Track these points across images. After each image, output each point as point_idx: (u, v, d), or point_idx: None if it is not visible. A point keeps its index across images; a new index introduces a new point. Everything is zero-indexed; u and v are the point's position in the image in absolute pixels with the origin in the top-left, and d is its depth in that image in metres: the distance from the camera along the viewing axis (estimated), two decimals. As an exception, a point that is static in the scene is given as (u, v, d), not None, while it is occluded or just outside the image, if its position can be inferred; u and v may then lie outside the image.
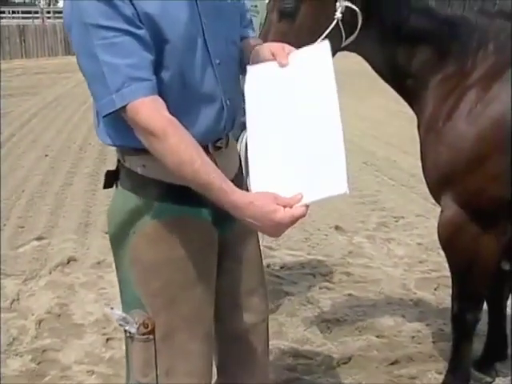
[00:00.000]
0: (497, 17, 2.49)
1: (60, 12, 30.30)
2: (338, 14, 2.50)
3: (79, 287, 4.04)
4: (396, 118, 9.22)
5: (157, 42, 1.70)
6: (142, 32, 1.66)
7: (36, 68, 18.69)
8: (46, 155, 7.81)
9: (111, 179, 1.93)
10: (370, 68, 2.81)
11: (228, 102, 1.85)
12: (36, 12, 29.44)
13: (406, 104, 2.80)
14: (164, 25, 1.70)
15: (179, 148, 1.64)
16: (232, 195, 1.64)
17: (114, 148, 1.86)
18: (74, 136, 8.95)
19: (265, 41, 2.17)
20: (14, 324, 3.61)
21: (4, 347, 3.36)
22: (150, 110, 1.65)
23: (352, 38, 2.57)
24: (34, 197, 6.05)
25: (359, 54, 2.75)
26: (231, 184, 1.65)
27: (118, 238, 1.95)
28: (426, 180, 2.63)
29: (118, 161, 1.91)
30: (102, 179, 2.00)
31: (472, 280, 2.63)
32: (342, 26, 2.52)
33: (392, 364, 3.20)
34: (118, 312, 1.99)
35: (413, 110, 2.74)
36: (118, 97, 1.64)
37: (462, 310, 2.70)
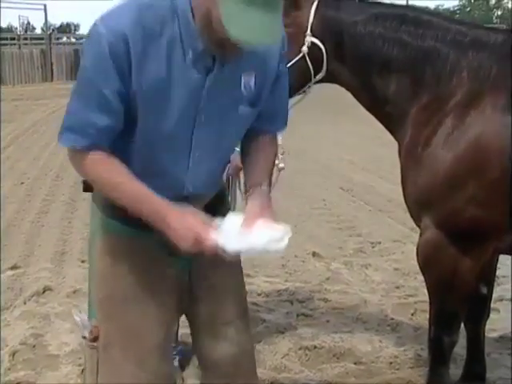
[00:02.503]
0: (469, 47, 2.55)
1: (37, 38, 30.27)
2: (305, 48, 2.66)
3: (55, 317, 3.99)
4: (371, 143, 9.30)
5: (139, 119, 1.75)
6: (117, 105, 1.71)
7: (12, 94, 18.61)
8: (22, 183, 7.75)
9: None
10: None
11: (191, 190, 1.88)
12: (13, 38, 29.36)
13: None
14: (156, 110, 1.74)
15: (102, 177, 1.79)
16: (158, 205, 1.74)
17: None
18: (50, 163, 8.90)
19: None
20: (-14, 359, 3.55)
21: (-25, 385, 3.30)
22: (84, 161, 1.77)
23: (322, 72, 2.71)
24: (9, 225, 5.99)
25: (340, 85, 2.85)
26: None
27: (90, 246, 2.07)
28: (407, 203, 2.68)
29: None
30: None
31: (449, 301, 2.65)
32: (308, 60, 2.68)
33: (370, 391, 3.20)
34: (82, 315, 2.05)
35: (393, 136, 2.80)
36: (64, 135, 1.76)
37: (439, 333, 2.71)
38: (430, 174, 2.51)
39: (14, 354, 3.57)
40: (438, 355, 2.78)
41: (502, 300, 4.01)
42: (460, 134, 2.46)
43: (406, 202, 2.68)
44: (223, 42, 1.62)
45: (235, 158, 3.19)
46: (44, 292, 4.37)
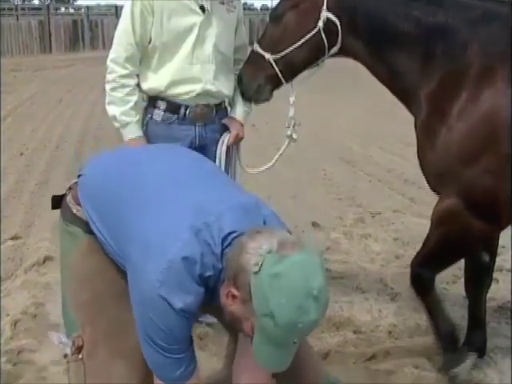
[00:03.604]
0: (480, 20, 2.62)
1: (34, 9, 30.00)
2: (320, 24, 2.79)
3: (55, 286, 3.99)
4: (373, 114, 9.27)
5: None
6: None
7: (11, 65, 18.49)
8: (22, 154, 7.73)
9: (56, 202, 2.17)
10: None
11: None
12: (10, 9, 29.09)
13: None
14: None
15: None
16: None
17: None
18: (49, 134, 8.87)
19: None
20: (-10, 329, 3.57)
21: (-20, 353, 3.32)
22: None
23: (336, 47, 2.86)
24: (9, 196, 5.99)
25: (355, 59, 2.94)
26: None
27: (62, 263, 2.16)
28: (424, 174, 2.77)
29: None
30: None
31: (447, 254, 2.80)
32: (323, 35, 2.82)
33: (369, 359, 3.21)
34: (58, 334, 2.05)
35: (409, 110, 2.88)
36: None
37: (422, 272, 2.85)
38: (446, 146, 2.59)
39: (15, 323, 3.59)
40: (424, 290, 2.91)
41: (501, 270, 4.02)
42: (474, 106, 2.54)
43: (423, 172, 2.78)
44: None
45: (235, 126, 3.19)
46: (44, 262, 4.38)
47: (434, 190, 2.78)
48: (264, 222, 1.84)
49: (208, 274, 1.74)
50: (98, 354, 1.99)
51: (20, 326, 3.56)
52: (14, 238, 4.88)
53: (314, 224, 5.07)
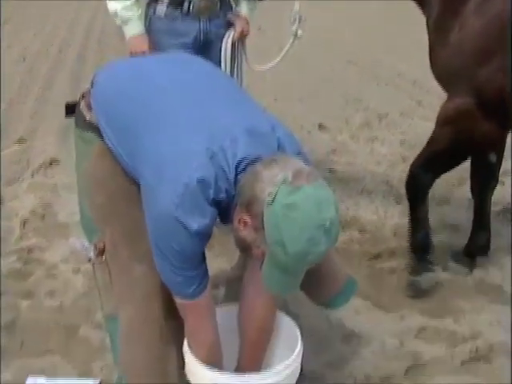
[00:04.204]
0: None
1: None
2: None
3: (62, 188, 4.03)
4: (380, 17, 9.04)
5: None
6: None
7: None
8: (24, 59, 7.62)
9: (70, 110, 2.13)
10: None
11: None
12: None
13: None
14: None
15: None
16: None
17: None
18: (51, 38, 8.72)
19: None
20: (-2, 226, 3.62)
21: (-10, 248, 3.38)
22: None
23: None
24: (13, 101, 5.94)
25: None
26: None
27: (77, 170, 2.12)
28: (435, 73, 2.73)
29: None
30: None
31: (453, 154, 2.76)
32: None
33: (374, 258, 3.26)
34: (80, 240, 2.07)
35: (422, 10, 2.81)
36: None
37: (422, 174, 2.84)
38: (459, 44, 2.55)
39: (24, 223, 3.64)
40: (417, 194, 2.92)
41: (507, 174, 4.01)
42: (489, 2, 2.49)
43: (432, 67, 2.73)
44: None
45: (240, 22, 3.11)
46: (51, 164, 4.40)
47: (443, 88, 2.73)
48: (278, 146, 1.81)
49: (221, 197, 1.74)
50: (120, 254, 2.01)
51: (29, 226, 3.61)
52: (20, 141, 4.87)
53: (321, 126, 5.03)
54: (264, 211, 1.64)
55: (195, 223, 1.70)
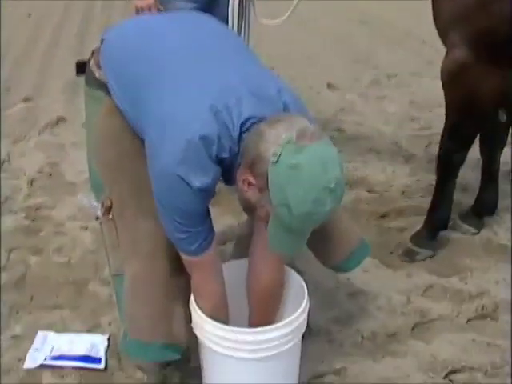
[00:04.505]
0: None
1: None
2: None
3: (69, 147, 4.02)
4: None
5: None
6: None
7: None
8: (30, 15, 7.53)
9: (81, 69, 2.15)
10: None
11: None
12: None
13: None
14: None
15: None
16: None
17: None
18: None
19: None
20: (6, 184, 3.61)
21: (-2, 205, 3.40)
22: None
23: None
24: (19, 57, 5.89)
25: None
26: None
27: (87, 127, 2.15)
28: (436, 22, 2.63)
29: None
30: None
31: (467, 118, 2.66)
32: None
33: (382, 217, 3.26)
34: (88, 198, 2.08)
35: None
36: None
37: (450, 150, 2.76)
38: None
39: (31, 181, 3.65)
40: (446, 172, 2.85)
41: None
42: None
43: (435, 21, 2.64)
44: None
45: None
46: (58, 123, 4.38)
47: (443, 40, 2.64)
48: (284, 109, 1.79)
49: (224, 155, 1.73)
50: (126, 211, 2.02)
51: (36, 185, 3.62)
52: (26, 99, 4.84)
53: (329, 85, 4.98)
54: (268, 171, 1.63)
55: (197, 181, 1.69)
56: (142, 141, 1.87)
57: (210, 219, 1.86)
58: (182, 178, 1.69)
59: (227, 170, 1.78)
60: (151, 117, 1.80)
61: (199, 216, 1.80)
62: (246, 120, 1.71)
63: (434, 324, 2.58)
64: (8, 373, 2.35)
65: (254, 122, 1.71)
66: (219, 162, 1.73)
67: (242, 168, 1.73)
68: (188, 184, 1.69)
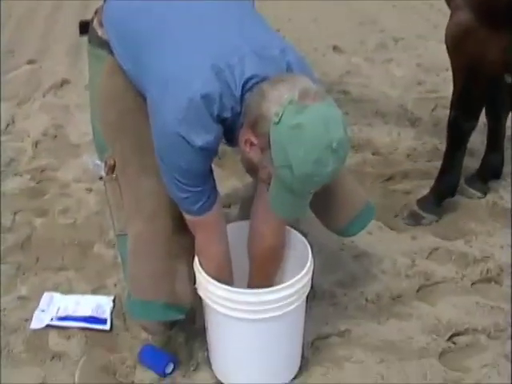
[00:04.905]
0: None
1: None
2: None
3: (74, 109, 4.01)
4: None
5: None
6: None
7: None
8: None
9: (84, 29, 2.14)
10: None
11: None
12: None
13: None
14: None
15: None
16: None
17: None
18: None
19: None
20: (10, 146, 3.62)
21: (2, 168, 3.39)
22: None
23: None
24: (22, 20, 5.85)
25: None
26: None
27: (90, 87, 2.13)
28: None
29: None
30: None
31: (473, 84, 2.63)
32: None
33: (387, 180, 3.24)
34: (92, 158, 2.07)
35: None
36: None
37: (459, 117, 2.73)
38: None
39: (36, 143, 3.65)
40: (456, 139, 2.81)
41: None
42: None
43: None
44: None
45: None
46: (62, 85, 4.36)
47: (448, 2, 2.61)
48: (287, 70, 1.77)
49: (226, 115, 1.71)
50: (129, 169, 2.01)
51: (41, 147, 3.62)
52: (30, 62, 4.82)
53: (335, 48, 4.93)
54: (270, 131, 1.61)
55: (199, 139, 1.68)
56: (145, 99, 1.85)
57: (213, 179, 1.86)
58: (184, 137, 1.68)
59: (230, 130, 1.76)
60: (153, 75, 1.78)
61: (201, 175, 1.79)
62: (249, 79, 1.69)
63: (438, 287, 2.58)
64: (15, 333, 2.37)
65: (257, 82, 1.69)
66: (221, 121, 1.72)
67: (244, 128, 1.71)
68: (189, 143, 1.68)
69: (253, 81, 1.70)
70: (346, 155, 1.67)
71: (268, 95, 1.63)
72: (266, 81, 1.68)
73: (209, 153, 1.74)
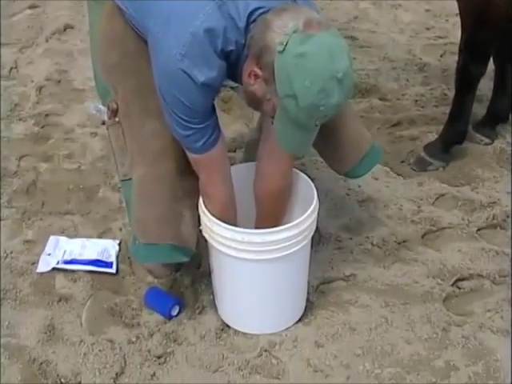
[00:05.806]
0: None
1: None
2: None
3: (77, 54, 3.95)
4: None
5: None
6: None
7: None
8: None
9: None
10: None
11: None
12: None
13: None
14: None
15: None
16: None
17: None
18: None
19: None
20: (14, 91, 3.59)
21: (6, 113, 3.37)
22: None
23: None
24: None
25: None
26: None
27: (91, 32, 2.11)
28: None
29: None
30: None
31: (482, 29, 2.58)
32: None
33: (394, 125, 3.22)
34: (94, 103, 2.04)
35: None
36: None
37: (468, 62, 2.70)
38: None
39: (40, 88, 3.61)
40: (465, 84, 2.78)
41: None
42: None
43: None
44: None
45: None
46: (65, 30, 4.28)
47: None
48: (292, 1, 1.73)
49: (230, 48, 1.69)
50: (132, 111, 2.00)
51: (45, 92, 3.58)
52: (32, 6, 4.72)
53: (342, -7, 4.83)
54: (275, 61, 1.59)
55: (202, 75, 1.66)
56: (146, 42, 1.83)
57: (216, 117, 1.83)
58: (186, 73, 1.65)
59: (234, 65, 1.74)
60: (154, 12, 1.75)
61: (204, 112, 1.77)
62: (254, 10, 1.67)
63: (443, 232, 2.58)
64: (22, 276, 2.39)
65: (262, 13, 1.67)
66: (225, 56, 1.69)
67: (248, 60, 1.69)
68: (192, 79, 1.66)
69: (258, 12, 1.67)
70: (351, 87, 1.65)
71: (272, 25, 1.61)
72: (270, 11, 1.65)
73: (211, 89, 1.72)
